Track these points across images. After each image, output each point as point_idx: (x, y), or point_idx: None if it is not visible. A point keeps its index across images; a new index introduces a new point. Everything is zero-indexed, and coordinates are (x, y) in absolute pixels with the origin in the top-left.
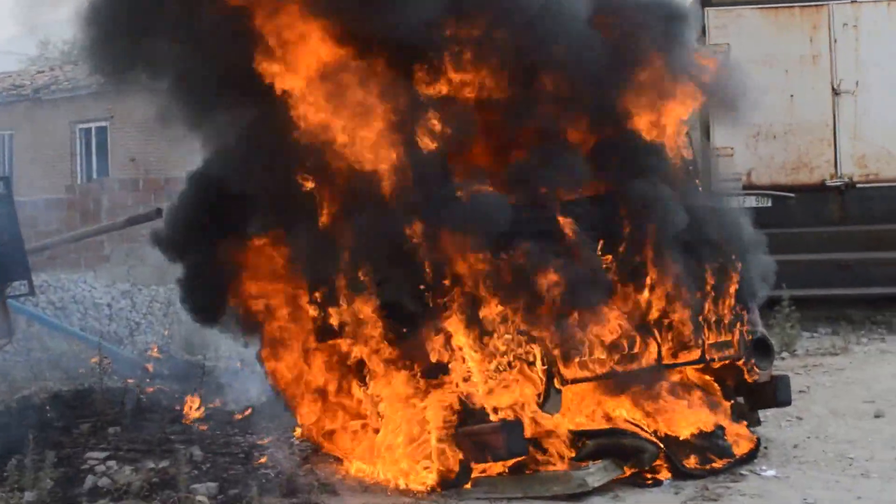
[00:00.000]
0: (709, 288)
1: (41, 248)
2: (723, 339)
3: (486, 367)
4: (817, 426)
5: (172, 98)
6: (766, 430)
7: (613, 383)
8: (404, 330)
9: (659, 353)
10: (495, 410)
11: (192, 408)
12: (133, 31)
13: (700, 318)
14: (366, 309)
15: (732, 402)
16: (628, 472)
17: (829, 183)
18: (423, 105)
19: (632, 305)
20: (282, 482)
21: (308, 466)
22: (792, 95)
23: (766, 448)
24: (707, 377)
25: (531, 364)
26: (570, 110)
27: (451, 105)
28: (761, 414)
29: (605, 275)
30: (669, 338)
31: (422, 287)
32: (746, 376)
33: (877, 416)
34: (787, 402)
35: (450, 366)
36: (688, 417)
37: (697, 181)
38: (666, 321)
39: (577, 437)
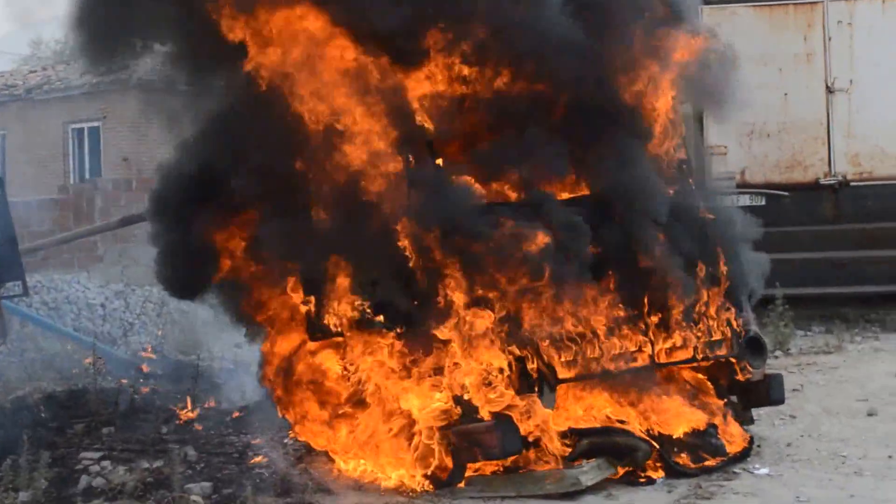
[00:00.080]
0: (702, 287)
1: (35, 249)
2: (716, 337)
3: (479, 367)
4: (810, 424)
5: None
6: (759, 428)
7: (607, 382)
8: (398, 329)
9: (652, 351)
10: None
11: (186, 408)
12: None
13: (693, 317)
14: (359, 309)
15: (726, 400)
16: (622, 470)
17: (823, 181)
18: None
19: (625, 304)
20: (276, 482)
21: (302, 466)
22: (786, 94)
23: (759, 446)
24: (700, 376)
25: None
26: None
27: (438, 99)
28: (755, 412)
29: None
30: (663, 337)
31: (414, 286)
32: (739, 375)
33: (870, 415)
34: (781, 401)
35: (443, 364)
36: (681, 416)
37: (691, 180)
38: (659, 320)
39: (571, 436)
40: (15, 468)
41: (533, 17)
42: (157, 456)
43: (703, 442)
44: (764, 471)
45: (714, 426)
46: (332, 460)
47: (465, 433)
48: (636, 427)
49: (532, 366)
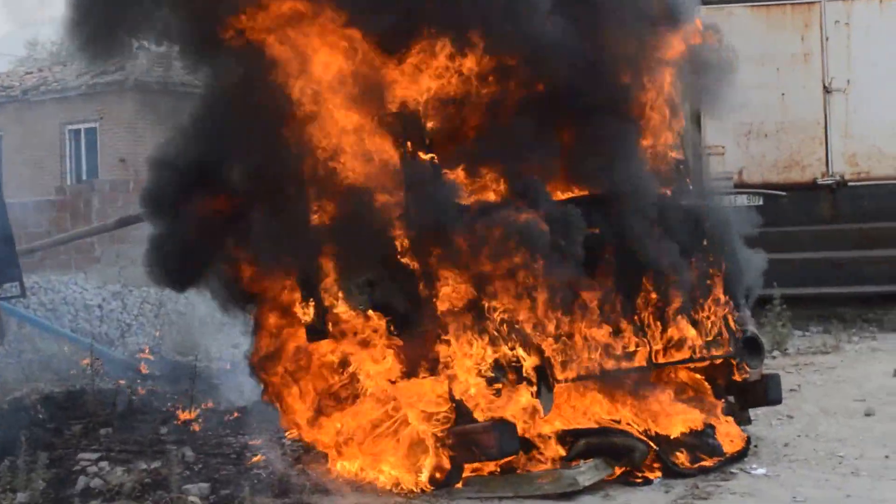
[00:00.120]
0: (699, 287)
1: (32, 250)
2: (713, 338)
3: (477, 368)
4: (808, 425)
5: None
6: (756, 428)
7: (604, 382)
8: (395, 330)
9: (649, 352)
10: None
11: (184, 409)
12: None
13: (691, 317)
14: (357, 310)
15: (723, 400)
16: (619, 471)
17: (820, 181)
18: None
19: (622, 304)
20: (274, 482)
21: (300, 466)
22: (783, 94)
23: (756, 446)
24: (698, 376)
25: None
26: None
27: (436, 100)
28: (752, 412)
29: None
30: (660, 337)
31: (413, 287)
32: (737, 375)
33: (867, 415)
34: (778, 401)
35: (441, 366)
36: (678, 416)
37: (688, 180)
38: (657, 320)
39: (568, 437)
40: (13, 469)
41: (525, 13)
42: (154, 457)
43: (700, 442)
44: (761, 471)
45: (711, 426)
46: (329, 461)
47: (463, 434)
48: (633, 427)
49: (530, 366)
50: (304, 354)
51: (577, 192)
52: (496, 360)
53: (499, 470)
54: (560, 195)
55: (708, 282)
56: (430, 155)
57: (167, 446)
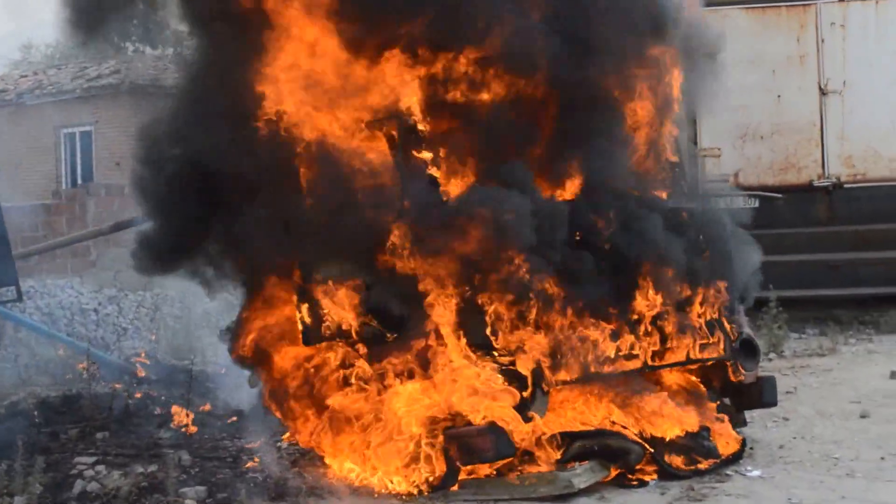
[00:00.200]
0: (694, 289)
1: (28, 254)
2: (708, 340)
3: (473, 371)
4: (803, 427)
5: None
6: (752, 430)
7: (599, 385)
8: (391, 333)
9: (644, 354)
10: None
11: (180, 412)
12: None
13: (686, 320)
14: (353, 313)
15: (718, 403)
16: (614, 472)
17: (816, 183)
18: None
19: (617, 307)
20: (270, 486)
21: (296, 470)
22: (779, 95)
23: (751, 448)
24: (693, 378)
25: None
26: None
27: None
28: (748, 415)
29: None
30: (655, 339)
31: (407, 289)
32: (732, 377)
33: (863, 417)
34: (773, 403)
35: (437, 368)
36: (673, 418)
37: (684, 182)
38: (651, 323)
39: (564, 439)
40: (10, 473)
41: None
42: (151, 460)
43: (695, 444)
44: (756, 473)
45: (706, 428)
46: (325, 464)
47: (458, 436)
48: (629, 429)
49: (525, 369)
50: (300, 358)
51: (566, 191)
52: (492, 364)
53: (494, 472)
54: (549, 193)
55: (704, 284)
56: (423, 155)
57: (164, 450)
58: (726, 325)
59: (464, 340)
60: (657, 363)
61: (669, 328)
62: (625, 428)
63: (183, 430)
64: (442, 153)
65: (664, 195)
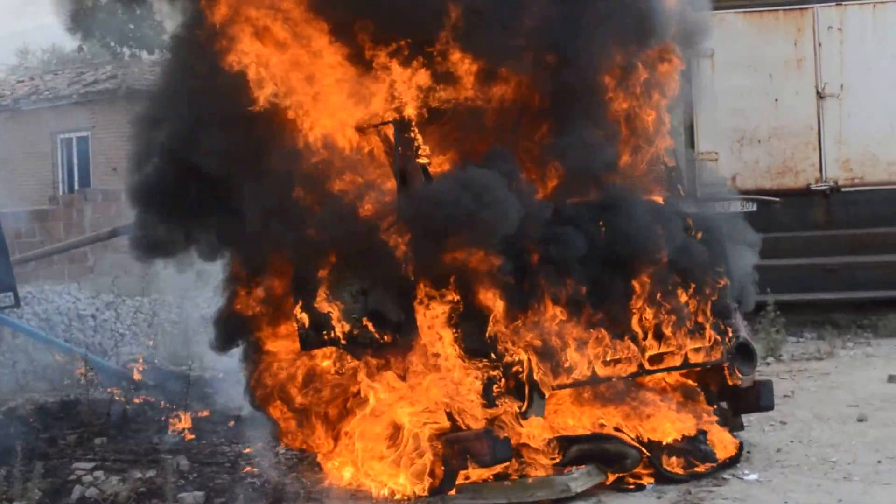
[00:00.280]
0: (691, 293)
1: (25, 260)
2: (705, 344)
3: (471, 375)
4: (801, 430)
5: None
6: (749, 434)
7: (597, 389)
8: (389, 338)
9: (642, 358)
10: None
11: (178, 418)
12: None
13: (683, 324)
14: (352, 317)
15: (716, 406)
16: (611, 477)
17: (814, 187)
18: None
19: (614, 311)
20: (268, 491)
21: (294, 475)
22: (776, 99)
23: (749, 452)
24: (690, 382)
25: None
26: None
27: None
28: (745, 419)
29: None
30: (652, 343)
31: (405, 294)
32: (729, 381)
33: (860, 420)
34: (770, 407)
35: (434, 373)
36: (671, 422)
37: (680, 187)
38: (649, 327)
39: (561, 443)
40: (9, 478)
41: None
42: (149, 466)
43: (692, 448)
44: (753, 476)
45: (704, 432)
46: (323, 469)
47: (456, 441)
48: (626, 433)
49: (522, 374)
50: (298, 362)
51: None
52: (489, 369)
53: (492, 477)
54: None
55: (701, 288)
56: (422, 160)
57: (162, 455)
58: (723, 328)
59: (463, 345)
60: (654, 367)
61: (666, 332)
62: (621, 432)
63: (181, 435)
64: (434, 152)
65: (661, 198)
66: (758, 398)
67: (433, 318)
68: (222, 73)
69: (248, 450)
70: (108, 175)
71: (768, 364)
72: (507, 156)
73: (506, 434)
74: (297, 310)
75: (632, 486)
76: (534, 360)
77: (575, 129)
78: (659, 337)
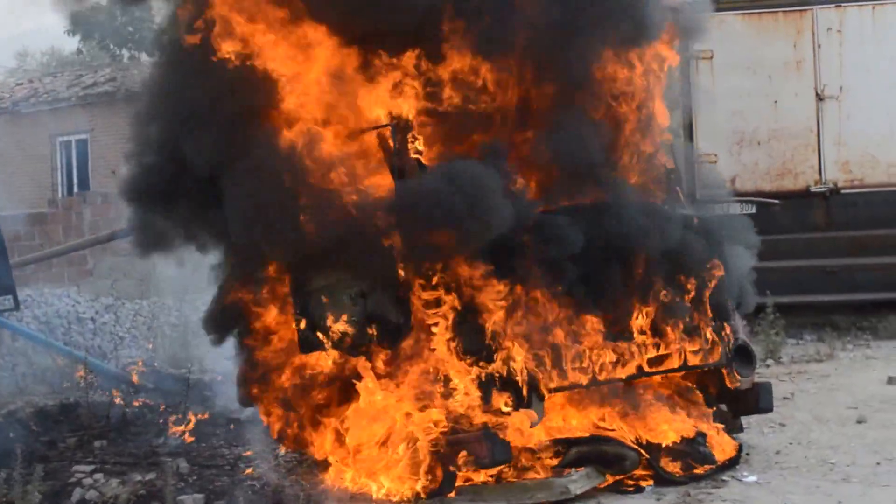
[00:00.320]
0: (690, 296)
1: (25, 263)
2: (704, 346)
3: (469, 377)
4: (800, 432)
5: None
6: (748, 436)
7: (596, 391)
8: (388, 341)
9: (641, 360)
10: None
11: (178, 420)
12: None
13: (681, 326)
14: (350, 321)
15: (715, 408)
16: (611, 479)
17: (813, 189)
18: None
19: (613, 313)
20: (268, 493)
21: (294, 478)
22: (776, 101)
23: (748, 454)
24: (689, 384)
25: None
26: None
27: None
28: (744, 420)
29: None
30: (651, 345)
31: (405, 298)
32: (728, 383)
33: (859, 422)
34: (769, 409)
35: (433, 375)
36: (670, 424)
37: (679, 189)
38: (647, 329)
39: (560, 445)
40: (9, 481)
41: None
42: (149, 468)
43: (691, 450)
44: (752, 478)
45: (703, 434)
46: (323, 471)
47: (456, 443)
48: (625, 435)
49: (521, 376)
50: (297, 365)
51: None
52: (488, 371)
53: (492, 479)
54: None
55: (699, 290)
56: (418, 159)
57: (161, 458)
58: (722, 330)
59: (461, 348)
60: (653, 369)
61: (665, 334)
62: (618, 433)
63: (181, 438)
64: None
65: (661, 200)
66: (757, 400)
67: (431, 320)
68: (215, 69)
69: (247, 452)
70: (107, 178)
71: (768, 366)
72: (500, 150)
73: (504, 436)
74: (296, 312)
75: (631, 488)
76: (532, 362)
77: (566, 125)
78: (658, 339)
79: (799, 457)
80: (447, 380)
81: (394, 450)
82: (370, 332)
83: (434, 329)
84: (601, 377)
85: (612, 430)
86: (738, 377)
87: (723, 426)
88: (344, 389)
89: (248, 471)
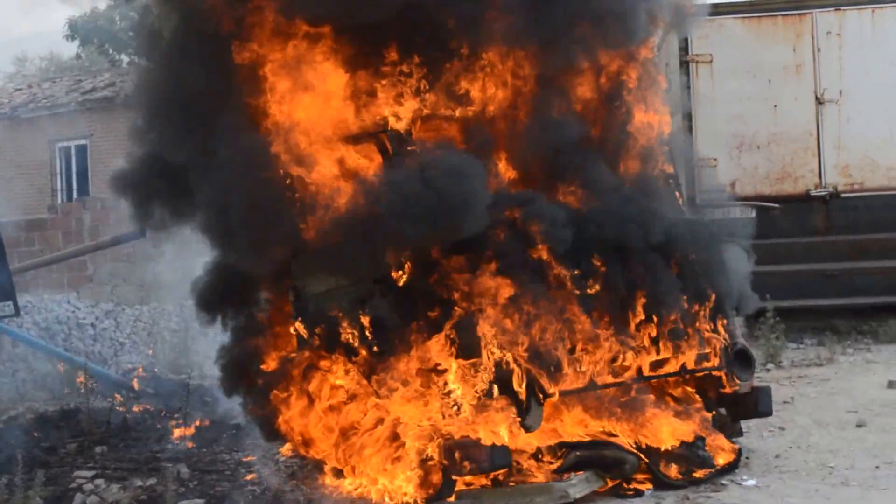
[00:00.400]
0: (689, 300)
1: (25, 269)
2: (703, 350)
3: (468, 385)
4: (799, 436)
5: None
6: (748, 440)
7: (595, 395)
8: (387, 345)
9: (640, 365)
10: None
11: (178, 426)
12: None
13: (680, 331)
14: (349, 324)
15: (714, 413)
16: (610, 483)
17: (813, 193)
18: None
19: (612, 318)
20: (268, 498)
21: (294, 482)
22: (775, 105)
23: (747, 458)
24: (688, 388)
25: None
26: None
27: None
28: (744, 424)
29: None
30: (650, 349)
31: (404, 303)
32: (727, 387)
33: (859, 426)
34: (768, 413)
35: (433, 380)
36: (669, 429)
37: (678, 193)
38: (646, 333)
39: (559, 449)
40: (10, 487)
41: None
42: (150, 474)
43: (691, 454)
44: (751, 482)
45: (702, 438)
46: (323, 476)
47: (455, 447)
48: (624, 440)
49: (520, 381)
50: (295, 365)
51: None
52: (487, 376)
53: (490, 483)
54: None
55: (699, 294)
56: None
57: (162, 463)
58: (721, 335)
59: (461, 351)
60: (652, 374)
61: (664, 339)
62: (618, 438)
63: (182, 443)
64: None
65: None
66: (756, 404)
67: (430, 323)
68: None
69: (248, 457)
70: (106, 183)
71: (768, 370)
72: (487, 142)
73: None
74: (295, 316)
75: (630, 493)
76: (531, 367)
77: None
78: (657, 343)
79: (798, 460)
80: (445, 384)
81: (393, 454)
82: (368, 334)
83: (432, 331)
84: (601, 381)
85: (612, 434)
86: (738, 381)
87: (722, 430)
88: (342, 393)
89: (249, 476)
